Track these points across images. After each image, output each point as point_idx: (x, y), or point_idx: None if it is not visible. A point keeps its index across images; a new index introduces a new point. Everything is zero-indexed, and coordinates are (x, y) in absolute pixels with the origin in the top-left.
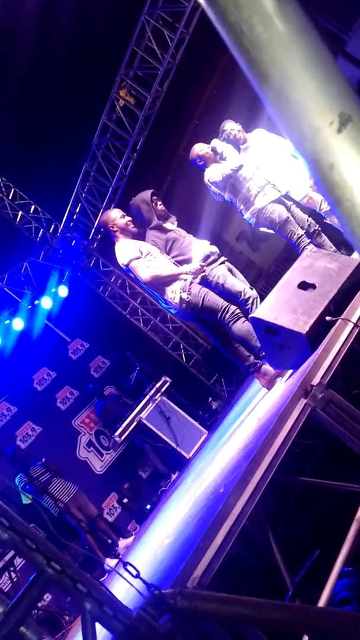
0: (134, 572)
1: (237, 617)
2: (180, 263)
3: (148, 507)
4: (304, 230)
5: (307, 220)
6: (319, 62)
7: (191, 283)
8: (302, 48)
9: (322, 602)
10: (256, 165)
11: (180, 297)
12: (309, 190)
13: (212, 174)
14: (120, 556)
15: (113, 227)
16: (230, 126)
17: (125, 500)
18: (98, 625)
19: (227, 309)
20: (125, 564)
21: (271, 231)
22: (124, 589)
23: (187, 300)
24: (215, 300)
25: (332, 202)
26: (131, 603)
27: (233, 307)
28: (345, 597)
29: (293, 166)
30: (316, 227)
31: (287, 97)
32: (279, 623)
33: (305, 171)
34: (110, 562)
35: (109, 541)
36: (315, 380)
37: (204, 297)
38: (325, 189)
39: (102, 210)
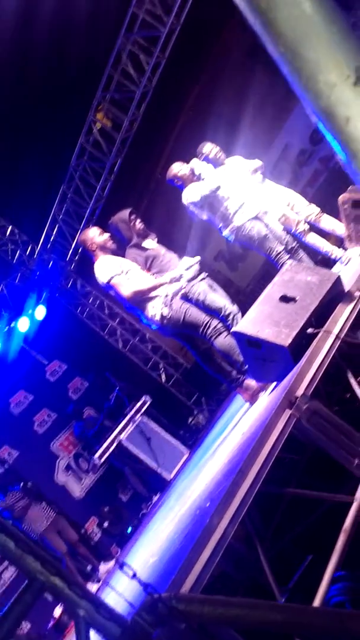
0: (130, 573)
1: (234, 619)
2: None
3: (129, 530)
4: (283, 247)
5: (285, 238)
6: (333, 20)
7: (172, 299)
8: (315, 5)
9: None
10: (233, 187)
11: (162, 312)
12: (286, 210)
13: (190, 195)
14: (101, 581)
15: (92, 246)
16: (209, 147)
17: (105, 524)
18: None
19: (208, 324)
20: (122, 564)
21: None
22: (111, 605)
23: (169, 315)
24: (196, 315)
25: (349, 156)
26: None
27: (215, 322)
28: (339, 601)
29: (270, 188)
30: (294, 244)
31: (302, 55)
32: (275, 624)
33: (280, 194)
34: (92, 588)
35: (90, 566)
36: (299, 392)
37: (185, 312)
38: (342, 143)
39: (79, 231)
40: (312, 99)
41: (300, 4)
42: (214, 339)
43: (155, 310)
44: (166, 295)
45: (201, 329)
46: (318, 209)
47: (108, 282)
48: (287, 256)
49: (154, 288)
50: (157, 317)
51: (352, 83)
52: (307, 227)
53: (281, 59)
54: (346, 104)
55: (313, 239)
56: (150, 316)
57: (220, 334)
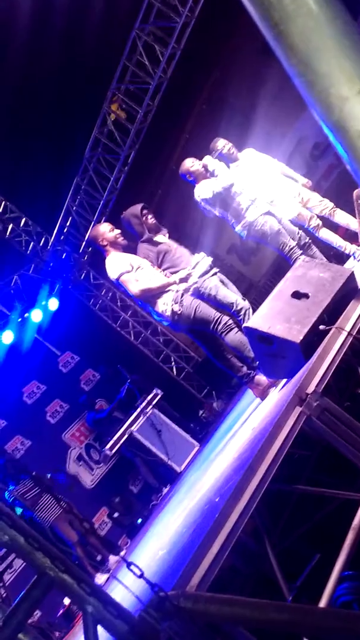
0: (138, 572)
1: (240, 618)
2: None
3: (139, 521)
4: (295, 242)
5: (298, 233)
6: (346, 33)
7: (183, 295)
8: (329, 19)
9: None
10: (246, 183)
11: (172, 309)
12: (299, 206)
13: (202, 191)
14: (110, 571)
15: (103, 242)
16: (222, 143)
17: (116, 515)
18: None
19: (219, 320)
20: (129, 563)
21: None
22: (119, 598)
23: (179, 312)
24: (207, 311)
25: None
26: (129, 608)
27: (225, 318)
28: (347, 600)
29: (282, 184)
30: (307, 240)
31: (315, 68)
32: (282, 624)
33: (294, 188)
34: (101, 578)
35: (100, 557)
36: (310, 389)
37: (195, 309)
38: (353, 157)
39: (93, 223)
40: (324, 112)
41: (314, 16)
42: (225, 335)
43: (166, 306)
44: (177, 292)
45: (212, 325)
46: (332, 204)
47: (117, 279)
48: (300, 251)
49: (163, 287)
50: (168, 313)
51: None
52: (320, 222)
53: (293, 71)
54: (358, 119)
55: (326, 234)
56: (160, 312)
57: (231, 329)
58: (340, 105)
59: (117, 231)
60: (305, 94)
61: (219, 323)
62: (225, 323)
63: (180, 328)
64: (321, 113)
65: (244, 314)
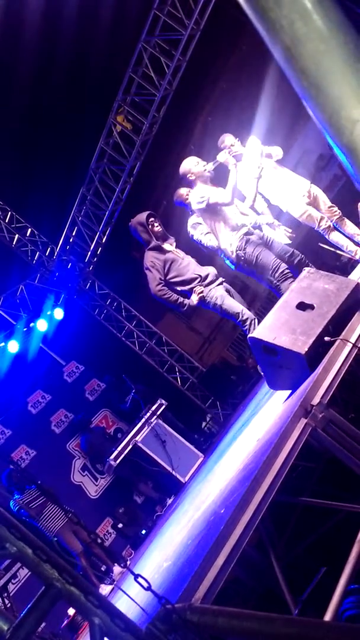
0: (145, 585)
1: (248, 632)
2: (178, 284)
3: (143, 532)
4: (289, 261)
5: (296, 254)
6: (356, 56)
7: (247, 242)
8: (341, 42)
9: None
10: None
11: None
12: (308, 207)
13: (191, 229)
14: (115, 582)
15: (191, 176)
16: (230, 141)
17: (120, 525)
18: None
19: (277, 268)
20: (136, 576)
21: None
22: (123, 608)
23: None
24: (267, 259)
25: None
26: (134, 620)
27: (283, 267)
28: (353, 614)
29: (290, 181)
30: (301, 257)
31: (326, 90)
32: (291, 638)
33: (303, 187)
34: (105, 589)
35: (104, 567)
36: (315, 400)
37: (257, 256)
38: None
39: (98, 233)
40: (335, 134)
41: (325, 40)
42: (280, 283)
43: (232, 247)
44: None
45: (270, 272)
46: (339, 212)
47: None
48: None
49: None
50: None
51: None
52: (330, 224)
53: (304, 93)
54: None
55: (337, 237)
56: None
57: (286, 279)
58: (351, 127)
59: (203, 163)
60: (316, 116)
61: (277, 271)
62: (282, 272)
63: (243, 271)
64: (332, 135)
65: (249, 324)
